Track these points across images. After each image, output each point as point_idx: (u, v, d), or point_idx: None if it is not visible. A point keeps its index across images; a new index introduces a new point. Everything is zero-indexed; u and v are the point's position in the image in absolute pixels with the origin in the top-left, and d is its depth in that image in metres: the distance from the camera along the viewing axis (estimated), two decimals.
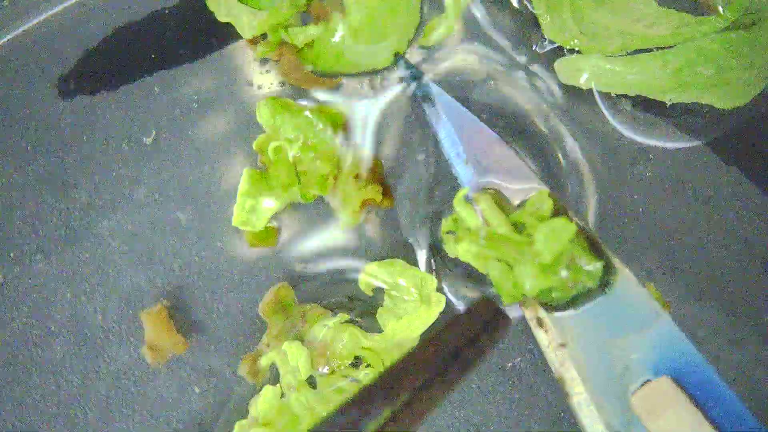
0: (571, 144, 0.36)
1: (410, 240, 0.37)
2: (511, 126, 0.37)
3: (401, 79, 0.37)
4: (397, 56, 0.36)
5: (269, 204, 0.36)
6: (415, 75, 0.35)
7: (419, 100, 0.33)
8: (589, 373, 0.27)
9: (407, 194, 0.37)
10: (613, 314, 0.28)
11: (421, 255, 0.36)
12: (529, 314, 0.30)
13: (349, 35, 0.35)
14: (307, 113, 0.36)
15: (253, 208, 0.36)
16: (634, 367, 0.26)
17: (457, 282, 0.36)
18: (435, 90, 0.34)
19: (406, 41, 0.37)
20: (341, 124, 0.37)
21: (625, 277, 0.29)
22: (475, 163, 0.32)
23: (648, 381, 0.26)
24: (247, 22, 0.36)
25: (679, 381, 0.25)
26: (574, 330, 0.28)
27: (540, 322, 0.29)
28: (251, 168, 0.36)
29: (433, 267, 0.36)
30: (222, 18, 0.36)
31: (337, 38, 0.35)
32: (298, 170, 0.36)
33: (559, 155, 0.37)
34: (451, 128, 0.33)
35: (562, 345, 0.28)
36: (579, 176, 0.37)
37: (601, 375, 0.27)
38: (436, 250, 0.36)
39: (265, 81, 0.38)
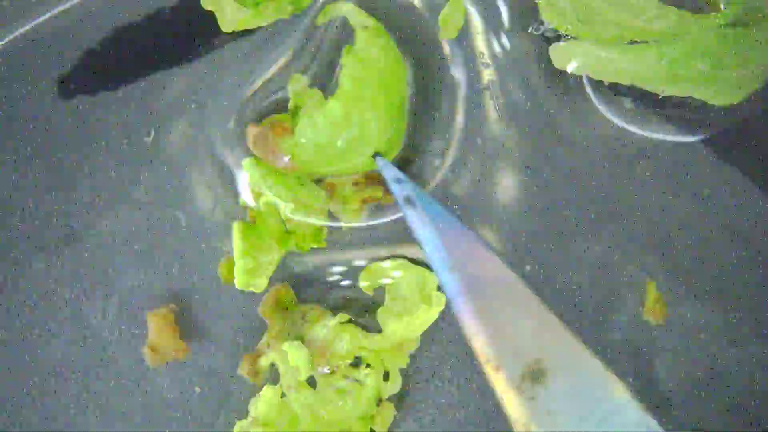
0: None
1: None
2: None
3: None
4: (377, 156, 0.34)
5: (268, 259, 0.35)
6: (397, 178, 0.33)
7: (401, 203, 0.31)
8: None
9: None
10: (583, 403, 0.27)
11: None
12: (498, 389, 0.28)
13: (330, 125, 0.33)
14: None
15: (254, 269, 0.35)
16: None
17: None
18: (417, 193, 0.32)
19: (390, 142, 0.35)
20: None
21: (593, 364, 0.28)
22: (459, 270, 0.30)
23: None
24: (229, 16, 0.36)
25: None
26: (544, 418, 0.27)
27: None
28: (241, 221, 0.35)
29: None
30: (207, 6, 0.36)
31: (319, 126, 0.34)
32: (288, 228, 0.36)
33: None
34: (434, 233, 0.31)
35: None
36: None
37: None
38: None
39: None
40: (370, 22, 0.35)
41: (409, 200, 0.31)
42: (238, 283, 0.35)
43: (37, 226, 0.37)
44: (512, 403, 0.27)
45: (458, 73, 0.38)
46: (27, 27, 0.38)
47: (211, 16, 0.37)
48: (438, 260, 0.30)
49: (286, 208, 0.35)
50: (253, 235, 0.35)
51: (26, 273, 0.37)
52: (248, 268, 0.34)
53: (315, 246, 0.37)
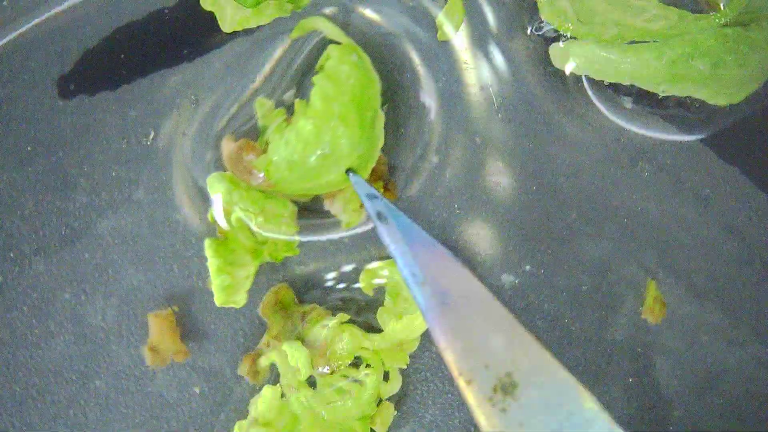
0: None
1: None
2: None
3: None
4: (350, 172, 0.34)
5: (245, 273, 0.35)
6: (369, 194, 0.33)
7: (374, 219, 0.32)
8: None
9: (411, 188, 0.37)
10: (554, 415, 0.27)
11: None
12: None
13: (299, 142, 0.33)
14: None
15: (231, 285, 0.35)
16: None
17: None
18: (389, 209, 0.32)
19: (363, 157, 0.35)
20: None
21: (564, 376, 0.28)
22: (431, 284, 0.31)
23: None
24: (230, 15, 0.36)
25: None
26: (516, 430, 0.27)
27: None
28: (212, 238, 0.35)
29: None
30: (207, 6, 0.36)
31: (289, 143, 0.33)
32: (258, 239, 0.36)
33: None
34: (406, 248, 0.31)
35: None
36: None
37: None
38: None
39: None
40: (344, 38, 0.35)
41: (381, 216, 0.32)
42: (218, 300, 0.35)
43: (37, 226, 0.37)
44: (484, 416, 0.28)
45: (452, 75, 0.38)
46: (27, 27, 0.38)
47: (211, 16, 0.37)
48: (409, 275, 0.30)
49: (255, 223, 0.35)
50: (225, 250, 0.35)
51: (26, 273, 0.37)
52: (225, 285, 0.34)
53: (289, 254, 0.37)
